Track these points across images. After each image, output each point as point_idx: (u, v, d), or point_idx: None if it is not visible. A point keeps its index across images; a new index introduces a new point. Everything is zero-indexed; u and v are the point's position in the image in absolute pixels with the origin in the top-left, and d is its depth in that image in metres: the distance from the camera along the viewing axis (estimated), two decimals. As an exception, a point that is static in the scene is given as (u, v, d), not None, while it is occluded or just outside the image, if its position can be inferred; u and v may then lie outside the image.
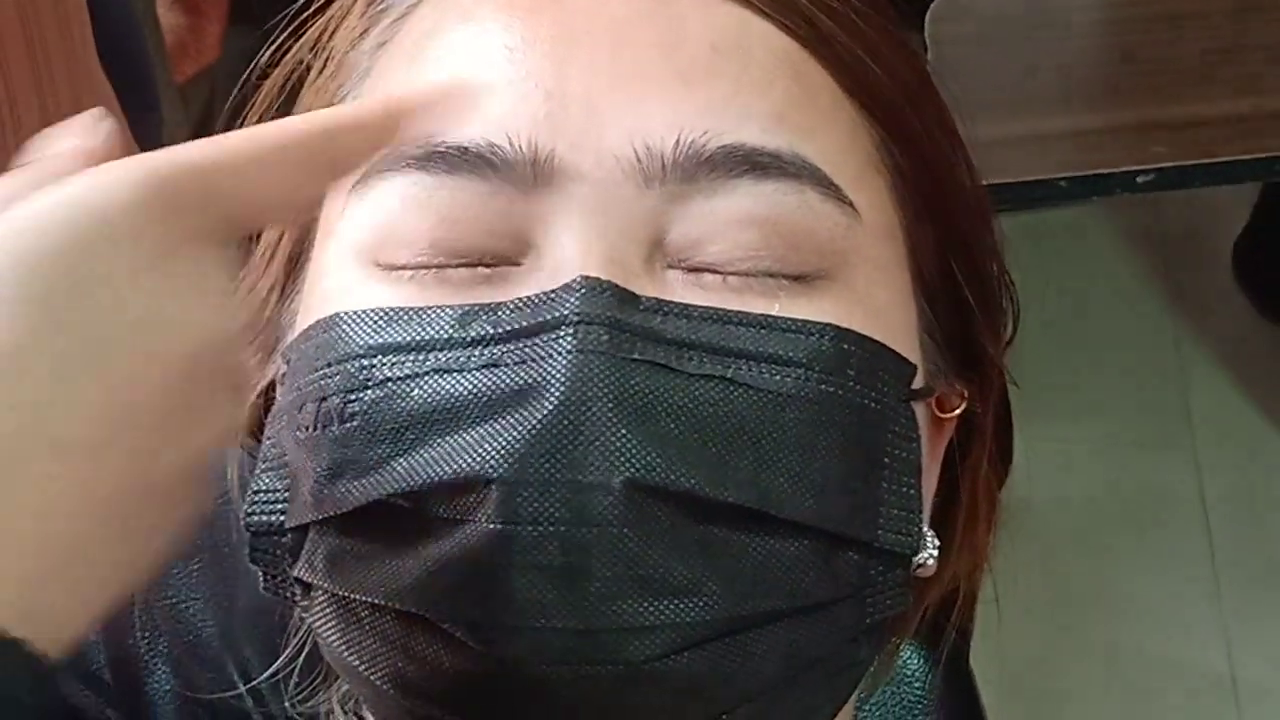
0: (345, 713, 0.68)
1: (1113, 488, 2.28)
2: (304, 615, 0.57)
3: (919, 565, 0.57)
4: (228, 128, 0.67)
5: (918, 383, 0.57)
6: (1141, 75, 1.59)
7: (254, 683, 0.71)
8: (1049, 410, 2.25)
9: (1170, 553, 2.19)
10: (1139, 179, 1.59)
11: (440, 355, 0.52)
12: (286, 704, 0.69)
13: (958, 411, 0.61)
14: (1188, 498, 2.26)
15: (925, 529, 0.57)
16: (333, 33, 0.64)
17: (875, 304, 0.56)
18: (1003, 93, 1.54)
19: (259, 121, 0.66)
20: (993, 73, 1.54)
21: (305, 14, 0.65)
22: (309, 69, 0.65)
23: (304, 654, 0.68)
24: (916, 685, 0.78)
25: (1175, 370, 2.43)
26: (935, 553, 0.57)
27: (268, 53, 0.66)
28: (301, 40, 0.65)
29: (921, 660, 0.78)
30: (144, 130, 1.37)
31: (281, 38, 0.66)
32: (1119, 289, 2.54)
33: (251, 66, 0.67)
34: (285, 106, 0.65)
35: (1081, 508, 2.23)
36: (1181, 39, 1.58)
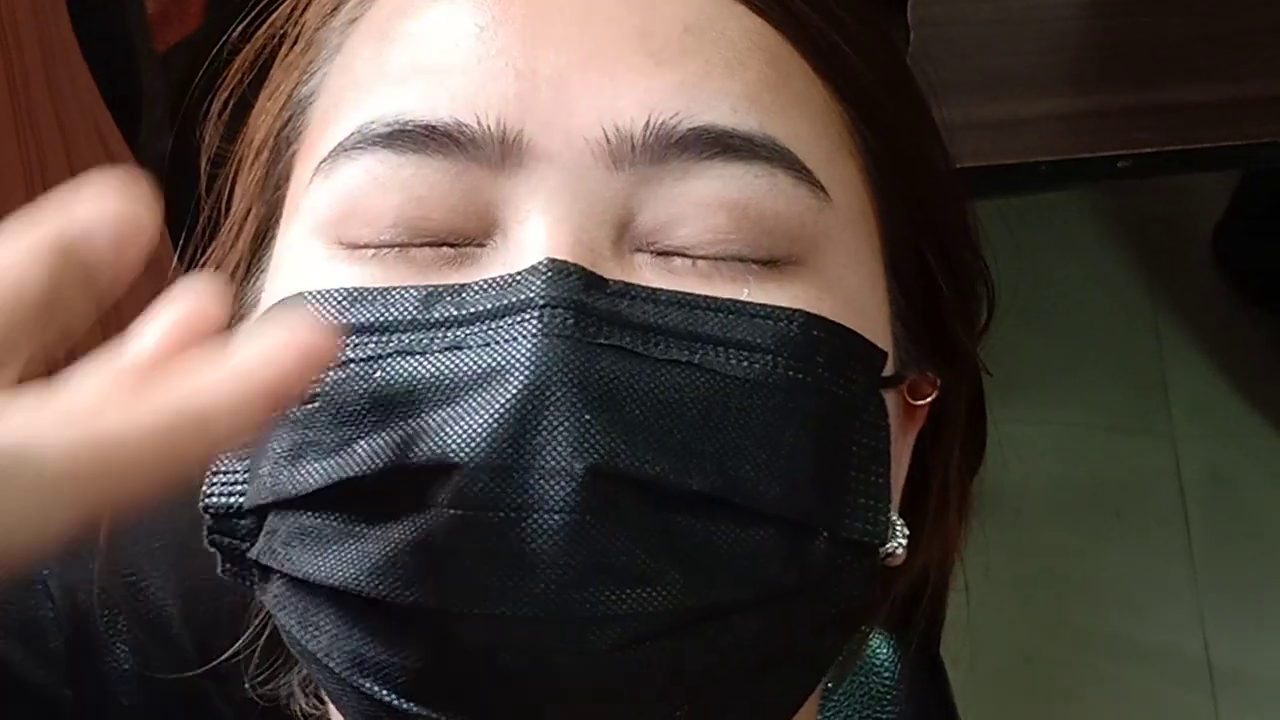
0: (306, 695, 0.67)
1: (1091, 472, 2.28)
2: (262, 599, 0.57)
3: (887, 555, 0.56)
4: (202, 99, 0.66)
5: (888, 370, 0.56)
6: (1123, 60, 1.58)
7: (213, 663, 0.71)
8: (1028, 394, 2.26)
9: (1147, 537, 2.19)
10: (1120, 164, 1.59)
11: (404, 337, 0.52)
12: (247, 685, 0.69)
13: (929, 399, 0.61)
14: (1166, 482, 2.27)
15: (895, 517, 0.57)
16: (305, 7, 0.63)
17: (846, 290, 0.56)
18: (984, 77, 1.53)
19: (231, 95, 0.66)
20: (975, 57, 1.53)
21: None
22: (283, 40, 0.64)
23: (265, 636, 0.67)
24: (885, 675, 0.78)
25: (1154, 355, 2.43)
26: (904, 542, 0.57)
27: (240, 26, 0.65)
28: (276, 13, 0.65)
29: (891, 650, 0.78)
30: (123, 99, 1.36)
31: (258, 8, 0.65)
32: (1099, 273, 2.54)
33: (224, 39, 0.66)
34: (258, 79, 0.65)
35: (1059, 492, 2.23)
36: (1164, 24, 1.58)
